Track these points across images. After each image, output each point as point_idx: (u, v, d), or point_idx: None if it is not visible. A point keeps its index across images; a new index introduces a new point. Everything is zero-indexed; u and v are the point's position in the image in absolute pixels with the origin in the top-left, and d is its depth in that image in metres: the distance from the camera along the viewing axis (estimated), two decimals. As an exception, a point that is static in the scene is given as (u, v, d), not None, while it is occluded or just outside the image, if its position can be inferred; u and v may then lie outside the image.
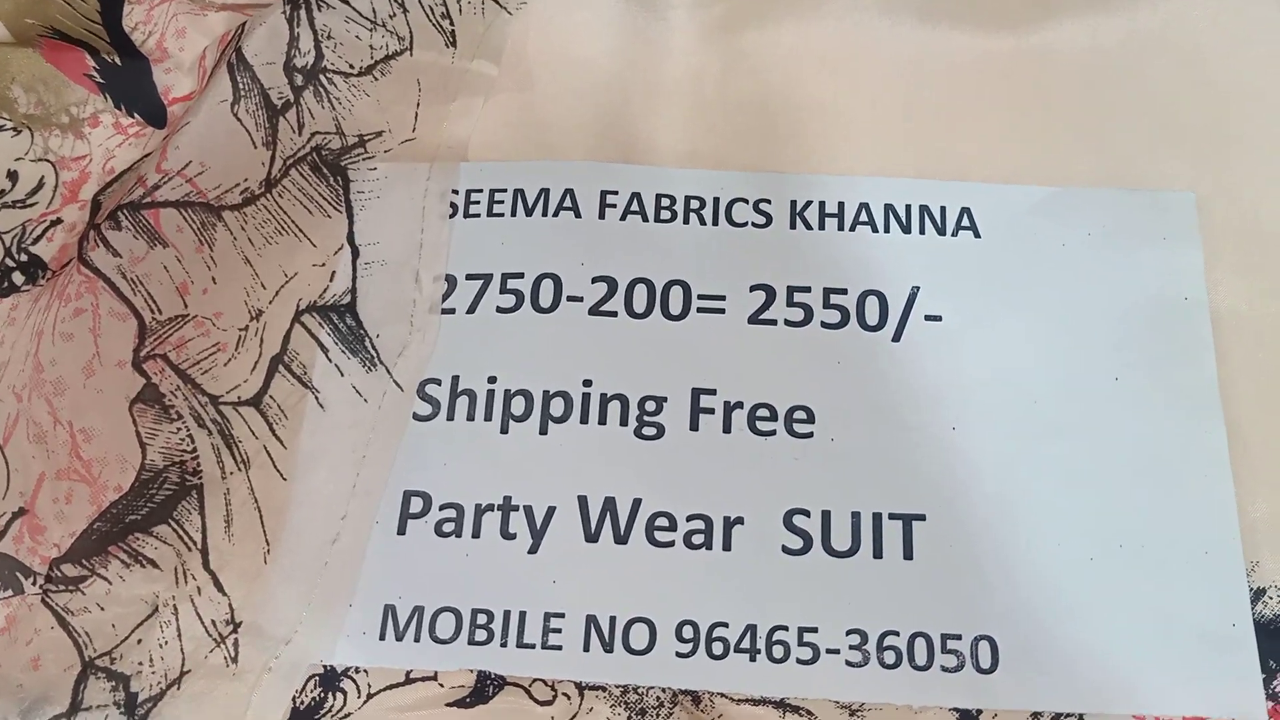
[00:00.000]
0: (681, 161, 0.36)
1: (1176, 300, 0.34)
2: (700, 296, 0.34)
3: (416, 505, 0.32)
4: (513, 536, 0.32)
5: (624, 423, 0.33)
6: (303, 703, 0.30)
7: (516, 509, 0.32)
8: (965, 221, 0.35)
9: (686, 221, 0.35)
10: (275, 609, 0.31)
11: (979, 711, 0.30)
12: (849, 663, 0.30)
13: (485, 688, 0.31)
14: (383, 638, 0.31)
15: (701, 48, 0.37)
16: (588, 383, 0.33)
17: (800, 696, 0.30)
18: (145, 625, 0.31)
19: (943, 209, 0.35)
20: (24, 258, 0.35)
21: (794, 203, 0.35)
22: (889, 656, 0.30)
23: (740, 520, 0.32)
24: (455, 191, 0.35)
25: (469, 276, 0.34)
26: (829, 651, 0.30)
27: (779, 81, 0.37)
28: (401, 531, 0.32)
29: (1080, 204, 0.35)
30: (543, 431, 0.33)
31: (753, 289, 0.34)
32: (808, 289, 0.34)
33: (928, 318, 0.34)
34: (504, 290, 0.34)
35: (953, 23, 0.37)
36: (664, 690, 0.31)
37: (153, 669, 0.30)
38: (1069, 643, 0.30)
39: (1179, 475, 0.32)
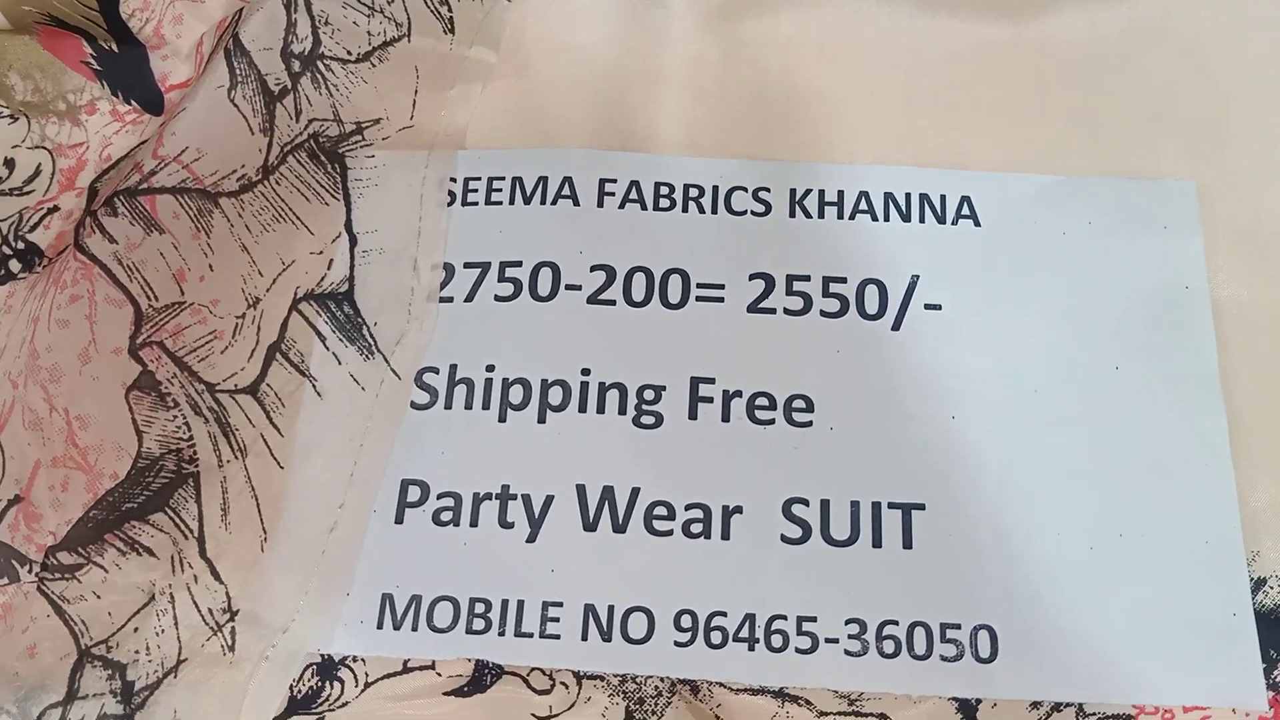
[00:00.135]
0: (680, 150, 0.36)
1: (1177, 289, 0.34)
2: (699, 285, 0.34)
3: (414, 494, 0.32)
4: (511, 525, 0.31)
5: (622, 411, 0.33)
6: (300, 691, 0.30)
7: (514, 498, 0.32)
8: (965, 210, 0.35)
9: (685, 210, 0.35)
10: (272, 597, 0.31)
11: (978, 701, 0.30)
12: (848, 652, 0.30)
13: (483, 677, 0.31)
14: (380, 627, 0.31)
15: (700, 36, 0.37)
16: (586, 371, 0.33)
17: (799, 686, 0.30)
18: (142, 613, 0.31)
19: (943, 198, 0.35)
20: (21, 245, 0.35)
21: (793, 191, 0.35)
22: (888, 646, 0.30)
23: (739, 509, 0.32)
24: (453, 179, 0.35)
25: (467, 265, 0.34)
26: (828, 641, 0.30)
27: (778, 70, 0.37)
28: (399, 520, 0.32)
29: (1081, 193, 0.35)
30: (541, 420, 0.33)
31: (752, 278, 0.34)
32: (807, 278, 0.34)
33: (927, 306, 0.34)
34: (502, 279, 0.34)
35: (952, 11, 0.37)
36: (662, 679, 0.30)
37: (149, 657, 0.30)
38: (1069, 632, 0.30)
39: (1179, 464, 0.32)
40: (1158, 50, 0.37)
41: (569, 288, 0.34)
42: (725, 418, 0.33)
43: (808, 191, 0.35)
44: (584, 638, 0.30)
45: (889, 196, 0.35)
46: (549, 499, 0.32)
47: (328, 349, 0.33)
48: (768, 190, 0.35)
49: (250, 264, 0.34)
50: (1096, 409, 0.33)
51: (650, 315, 0.34)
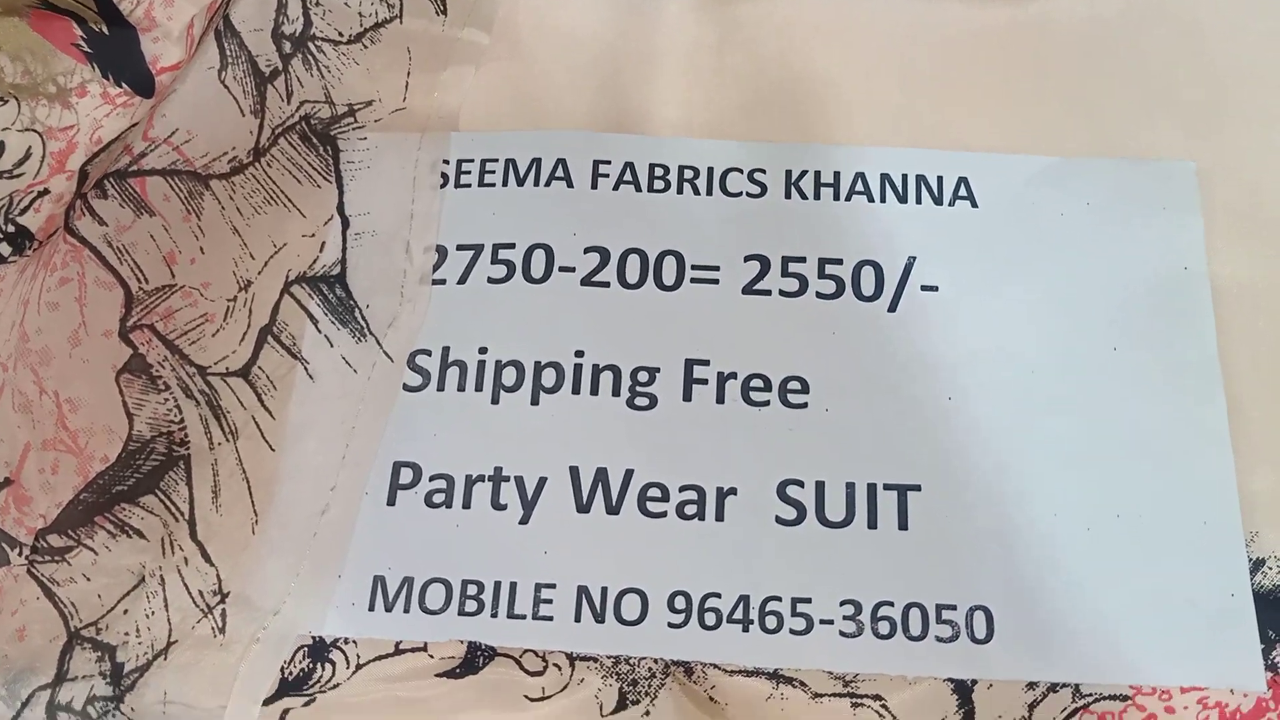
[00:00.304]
0: (675, 131, 0.36)
1: (1176, 270, 0.34)
2: (694, 267, 0.34)
3: (406, 476, 0.32)
4: (503, 507, 0.31)
5: (616, 393, 0.32)
6: (291, 673, 0.30)
7: (507, 480, 0.31)
8: (962, 191, 0.35)
9: (680, 191, 0.35)
10: (263, 580, 0.30)
11: (974, 682, 0.30)
12: (843, 633, 0.30)
13: (475, 658, 0.30)
14: (372, 609, 0.30)
15: (696, 17, 0.37)
16: (580, 353, 0.33)
17: (793, 667, 0.30)
18: (132, 595, 0.30)
19: (939, 179, 0.35)
20: (11, 229, 0.35)
21: (789, 172, 0.35)
22: (883, 627, 0.30)
23: (733, 491, 0.31)
24: (446, 161, 0.35)
25: (460, 247, 0.34)
26: (823, 622, 0.30)
27: (774, 51, 0.36)
28: (391, 502, 0.31)
29: (1079, 174, 0.35)
30: (534, 402, 0.32)
31: (747, 259, 0.34)
32: (803, 259, 0.34)
33: (924, 288, 0.33)
34: (495, 261, 0.34)
35: (950, -10, 0.37)
36: (656, 661, 0.30)
37: (139, 639, 0.30)
38: (1065, 613, 0.30)
39: (1178, 445, 0.32)
40: (1156, 31, 0.36)
41: (563, 270, 0.34)
42: (720, 399, 0.32)
43: (804, 173, 0.35)
44: (577, 619, 0.30)
45: (885, 178, 0.35)
46: (542, 481, 0.31)
47: (320, 332, 0.33)
48: (763, 172, 0.35)
49: (241, 246, 0.34)
50: (1094, 390, 0.32)
51: (645, 297, 0.33)
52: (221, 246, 0.34)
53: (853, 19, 0.36)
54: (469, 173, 0.35)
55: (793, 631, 0.30)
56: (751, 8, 0.37)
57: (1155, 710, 0.29)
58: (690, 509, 0.31)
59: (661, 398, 0.32)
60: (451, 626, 0.30)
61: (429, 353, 0.33)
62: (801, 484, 0.31)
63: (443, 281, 0.34)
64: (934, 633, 0.30)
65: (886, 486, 0.31)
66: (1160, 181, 0.35)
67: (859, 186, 0.35)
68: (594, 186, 0.35)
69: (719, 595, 0.30)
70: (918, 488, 0.31)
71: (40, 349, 0.33)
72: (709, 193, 0.35)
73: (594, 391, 0.32)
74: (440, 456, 0.32)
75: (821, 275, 0.34)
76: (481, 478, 0.32)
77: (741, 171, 0.35)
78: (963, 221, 0.34)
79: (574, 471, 0.32)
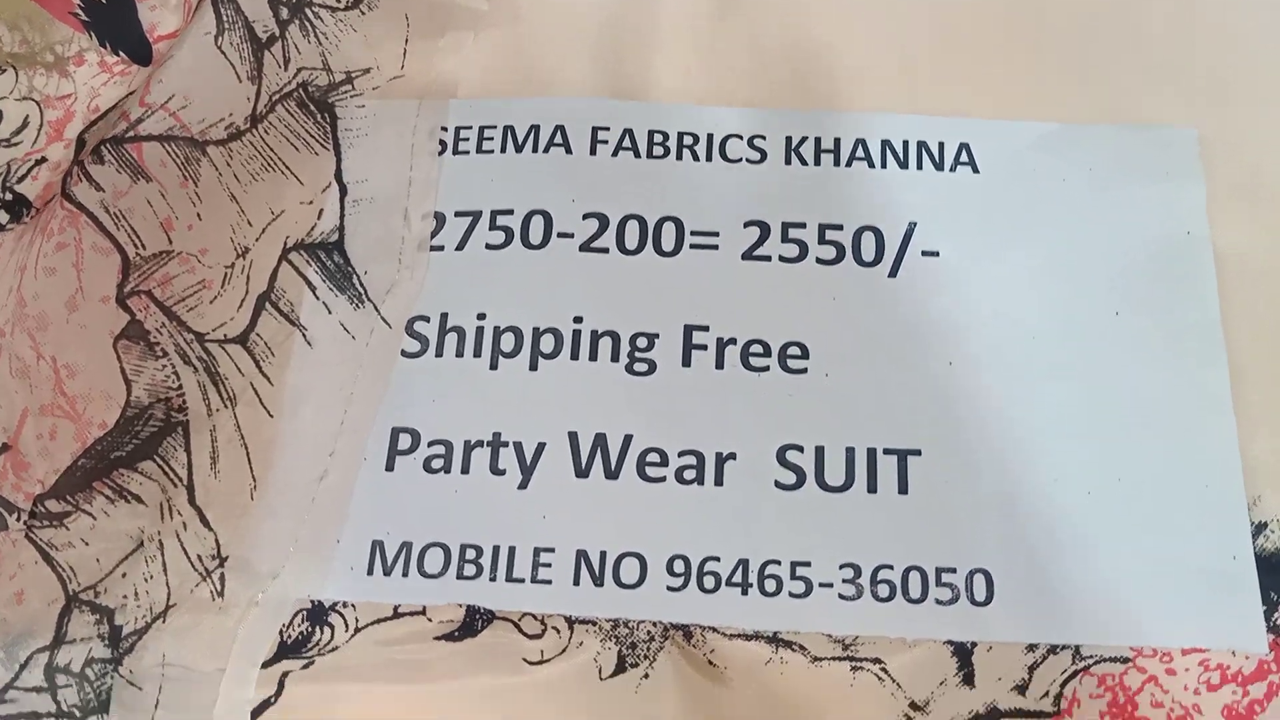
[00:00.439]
0: (675, 98, 0.35)
1: (1178, 236, 0.33)
2: (693, 233, 0.34)
3: (405, 442, 0.32)
4: (502, 472, 0.31)
5: (615, 359, 0.32)
6: (290, 637, 0.30)
7: (506, 445, 0.31)
8: (964, 157, 0.34)
9: (680, 158, 0.35)
10: (262, 544, 0.30)
11: (973, 644, 0.30)
12: (842, 596, 0.30)
13: (474, 622, 0.30)
14: (370, 573, 0.30)
15: (696, -16, 0.36)
16: (578, 319, 0.33)
17: (793, 630, 0.30)
18: (130, 559, 0.30)
19: (941, 145, 0.35)
20: (8, 197, 0.35)
21: (789, 139, 0.35)
22: (883, 590, 0.30)
23: (733, 456, 0.31)
24: (444, 128, 0.35)
25: (458, 214, 0.34)
26: (822, 585, 0.30)
27: (775, 17, 0.36)
28: (390, 468, 0.31)
29: (1081, 140, 0.34)
30: (533, 368, 0.32)
31: (747, 225, 0.34)
32: (803, 225, 0.34)
33: (925, 253, 0.33)
34: (493, 227, 0.34)
35: (952, -44, 0.36)
36: (655, 624, 0.30)
37: (138, 603, 0.30)
38: (1066, 575, 0.30)
39: (1180, 409, 0.31)
40: (1159, -2, 0.36)
41: (561, 236, 0.34)
42: (719, 365, 0.32)
43: (804, 139, 0.35)
44: (576, 583, 0.30)
45: (886, 144, 0.35)
46: (541, 446, 0.31)
47: (318, 298, 0.33)
48: (763, 138, 0.35)
49: (239, 213, 0.34)
50: (1096, 355, 0.32)
51: (644, 263, 0.33)
52: (219, 213, 0.33)
53: (854, -14, 0.36)
54: (467, 139, 0.35)
55: (792, 595, 0.30)
56: (752, -26, 0.36)
57: (1156, 672, 0.29)
58: (689, 474, 0.31)
59: (660, 363, 0.32)
60: (450, 590, 0.30)
61: (427, 319, 0.33)
62: (801, 449, 0.31)
63: (441, 248, 0.34)
64: (934, 595, 0.30)
65: (886, 451, 0.31)
66: (1162, 148, 0.34)
67: (860, 153, 0.34)
68: (593, 153, 0.35)
69: (718, 559, 0.30)
70: (918, 452, 0.31)
71: (37, 314, 0.33)
72: (709, 159, 0.35)
73: (593, 357, 0.32)
74: (439, 422, 0.32)
75: (822, 241, 0.33)
76: (480, 443, 0.31)
77: (741, 138, 0.35)
78: (964, 187, 0.34)
79: (573, 437, 0.31)
